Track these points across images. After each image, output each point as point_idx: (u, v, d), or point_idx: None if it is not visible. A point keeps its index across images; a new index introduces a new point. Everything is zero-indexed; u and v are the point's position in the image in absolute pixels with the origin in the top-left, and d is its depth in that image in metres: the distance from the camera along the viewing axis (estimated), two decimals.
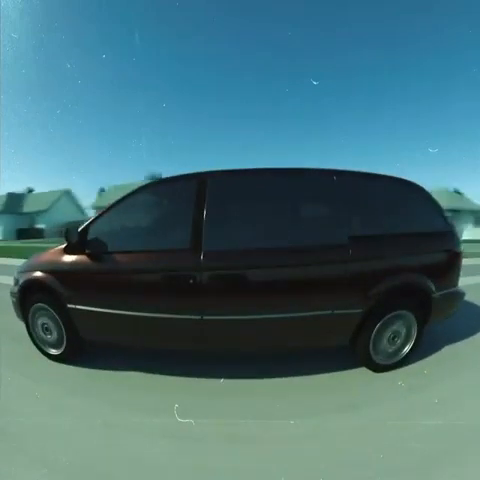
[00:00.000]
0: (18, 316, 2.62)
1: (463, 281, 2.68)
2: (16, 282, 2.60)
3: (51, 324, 2.41)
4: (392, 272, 2.20)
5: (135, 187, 2.36)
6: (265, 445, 1.58)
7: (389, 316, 2.21)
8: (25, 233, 24.38)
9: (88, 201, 31.66)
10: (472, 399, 1.95)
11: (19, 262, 3.20)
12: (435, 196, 2.59)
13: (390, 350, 2.29)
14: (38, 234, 24.55)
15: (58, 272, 2.30)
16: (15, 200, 27.88)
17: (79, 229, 2.24)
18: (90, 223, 2.27)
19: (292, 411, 1.83)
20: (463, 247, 2.62)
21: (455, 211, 22.71)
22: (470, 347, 2.75)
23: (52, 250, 2.49)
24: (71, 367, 2.38)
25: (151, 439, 1.62)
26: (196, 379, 2.20)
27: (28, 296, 2.47)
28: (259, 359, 2.48)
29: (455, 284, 2.53)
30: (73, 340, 2.36)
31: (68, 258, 2.27)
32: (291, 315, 2.06)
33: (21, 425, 1.72)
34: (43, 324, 2.46)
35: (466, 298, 3.56)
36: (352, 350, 2.30)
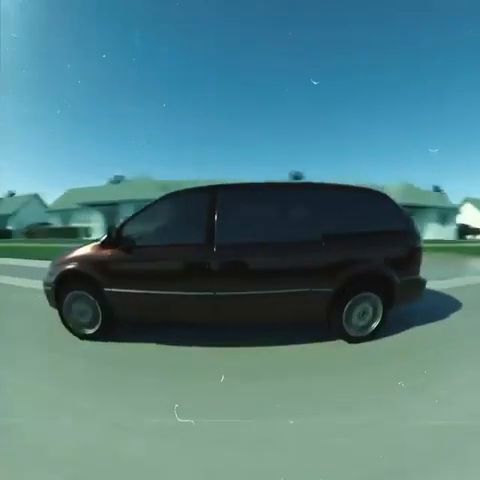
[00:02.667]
0: (51, 304, 3.02)
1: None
2: (51, 274, 3.02)
3: (87, 308, 2.84)
4: (358, 261, 2.79)
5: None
6: (265, 445, 1.58)
7: (357, 296, 2.75)
8: None
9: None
10: (472, 399, 1.95)
11: None
12: (391, 190, 2.85)
13: (360, 324, 2.83)
14: (6, 235, 26.99)
15: (98, 263, 2.78)
16: None
17: (116, 227, 2.79)
18: (124, 224, 2.82)
19: (292, 411, 1.83)
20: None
21: (413, 207, 21.64)
22: (470, 347, 2.75)
23: (90, 246, 2.93)
24: (71, 367, 2.39)
25: (151, 439, 1.62)
26: (196, 379, 2.20)
27: (66, 284, 2.90)
28: (259, 359, 2.49)
29: (415, 273, 3.02)
30: (108, 319, 2.83)
31: (106, 252, 2.77)
32: (280, 291, 2.66)
33: (21, 425, 1.72)
34: (79, 309, 2.87)
35: (466, 299, 3.59)
36: (328, 323, 2.82)
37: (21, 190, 35.68)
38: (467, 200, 33.48)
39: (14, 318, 3.62)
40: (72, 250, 3.08)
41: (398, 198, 3.12)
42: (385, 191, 3.15)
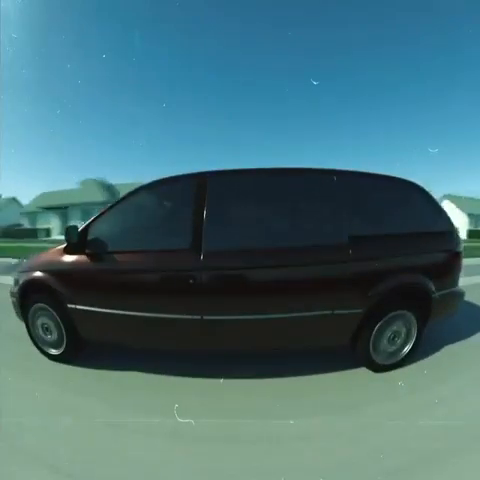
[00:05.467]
0: (18, 316, 2.63)
1: None
2: (16, 282, 2.60)
3: (51, 324, 2.41)
4: (392, 272, 2.20)
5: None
6: (265, 445, 1.58)
7: (389, 316, 2.22)
8: None
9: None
10: (472, 399, 1.95)
11: None
12: None
13: (390, 350, 2.30)
14: None
15: (58, 272, 2.31)
16: None
17: (79, 229, 2.24)
18: (90, 223, 2.28)
19: (292, 411, 1.83)
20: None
21: None
22: (470, 347, 2.74)
23: (52, 250, 2.49)
24: (70, 367, 2.38)
25: (151, 439, 1.61)
26: (196, 379, 2.20)
27: (28, 296, 2.48)
28: (259, 359, 2.48)
29: (455, 284, 2.54)
30: (73, 340, 2.36)
31: (68, 258, 2.28)
32: (291, 315, 2.06)
33: (21, 425, 1.72)
34: (43, 324, 2.46)
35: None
36: (352, 350, 2.30)
37: (21, 191, 37.75)
38: (445, 197, 30.36)
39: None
40: (38, 254, 2.68)
41: None
42: None
